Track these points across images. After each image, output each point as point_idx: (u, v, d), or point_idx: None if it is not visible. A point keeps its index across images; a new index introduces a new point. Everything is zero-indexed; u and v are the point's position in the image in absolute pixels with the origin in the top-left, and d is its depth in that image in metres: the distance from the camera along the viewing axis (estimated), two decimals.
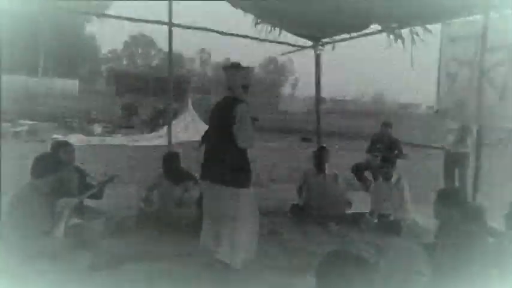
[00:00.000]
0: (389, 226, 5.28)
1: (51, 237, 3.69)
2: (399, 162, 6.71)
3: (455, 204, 3.26)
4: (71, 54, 42.73)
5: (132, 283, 3.45)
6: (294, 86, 64.02)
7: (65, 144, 4.69)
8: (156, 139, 14.79)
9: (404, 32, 5.38)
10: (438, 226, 3.62)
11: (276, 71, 64.56)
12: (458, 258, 3.00)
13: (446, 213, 3.29)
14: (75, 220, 4.12)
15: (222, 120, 3.71)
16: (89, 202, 4.59)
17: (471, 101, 4.66)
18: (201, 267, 3.88)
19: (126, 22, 6.37)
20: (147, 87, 32.88)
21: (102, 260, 3.73)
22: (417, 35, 5.24)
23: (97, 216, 4.50)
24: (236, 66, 3.80)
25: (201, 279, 3.64)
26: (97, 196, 4.55)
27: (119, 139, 15.19)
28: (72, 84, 36.61)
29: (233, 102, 3.72)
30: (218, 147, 3.74)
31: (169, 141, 6.55)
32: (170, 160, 5.18)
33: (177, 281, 3.56)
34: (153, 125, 18.12)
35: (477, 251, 3.02)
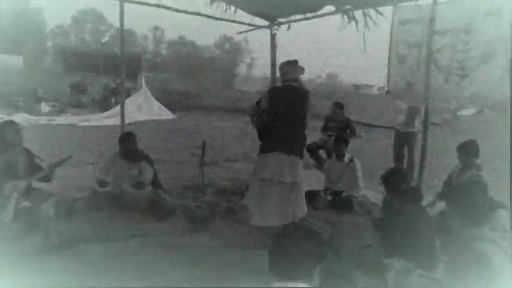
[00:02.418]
0: (342, 203, 5.48)
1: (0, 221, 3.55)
2: (352, 141, 6.92)
3: (397, 185, 3.44)
4: (14, 29, 40.09)
5: (86, 264, 3.39)
6: (250, 65, 63.71)
7: (12, 124, 4.43)
8: (108, 119, 14.37)
9: (358, 14, 5.48)
10: (383, 202, 3.81)
11: (232, 50, 63.85)
12: (403, 231, 3.18)
13: (391, 192, 3.48)
14: (25, 203, 3.98)
15: (300, 107, 4.47)
16: (37, 184, 4.42)
17: (419, 82, 4.85)
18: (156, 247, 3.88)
19: None
20: (97, 64, 31.55)
21: (53, 242, 3.63)
22: (370, 17, 5.35)
23: (46, 199, 4.34)
24: (296, 61, 4.60)
25: (157, 258, 3.65)
26: (46, 179, 4.39)
27: (68, 119, 14.60)
28: (16, 61, 34.38)
29: (304, 91, 4.54)
30: (293, 126, 4.47)
31: (123, 121, 6.37)
32: (127, 140, 5.08)
33: (132, 261, 3.53)
34: (104, 104, 17.54)
35: (419, 224, 3.21)
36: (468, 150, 4.53)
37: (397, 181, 3.53)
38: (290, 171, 4.42)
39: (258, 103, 4.65)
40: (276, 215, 4.38)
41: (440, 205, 4.33)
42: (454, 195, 2.43)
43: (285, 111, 4.46)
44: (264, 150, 4.54)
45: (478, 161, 4.49)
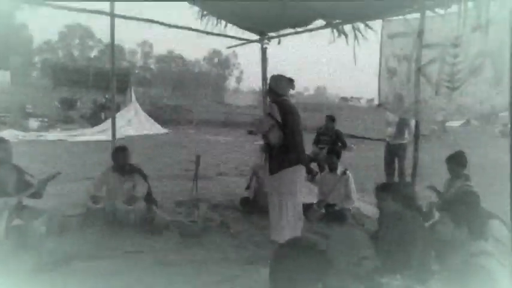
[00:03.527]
0: (335, 215, 5.48)
1: None
2: (344, 154, 6.96)
3: (393, 196, 3.46)
4: (0, 44, 39.79)
5: (80, 282, 3.33)
6: (239, 79, 64.01)
7: (1, 141, 4.39)
8: (98, 134, 14.28)
9: (347, 28, 5.56)
10: (379, 215, 3.82)
11: (221, 64, 64.15)
12: (399, 243, 3.19)
13: (385, 205, 3.49)
14: (16, 221, 3.92)
15: (300, 120, 4.68)
16: (28, 201, 4.36)
17: (409, 95, 4.92)
18: (151, 263, 3.84)
19: (61, 11, 5.94)
20: (86, 79, 31.47)
21: (46, 260, 3.57)
22: (359, 31, 5.43)
23: (38, 216, 4.28)
24: (292, 79, 4.76)
25: (151, 275, 3.60)
26: (37, 195, 4.33)
27: (57, 134, 14.47)
28: (3, 76, 34.11)
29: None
30: (302, 139, 4.65)
31: (114, 136, 6.33)
32: (120, 154, 5.04)
33: (126, 278, 3.48)
34: (93, 119, 17.44)
35: (416, 236, 3.22)
36: (457, 161, 4.62)
37: (398, 193, 3.54)
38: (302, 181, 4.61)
39: (270, 116, 4.50)
40: (300, 227, 4.48)
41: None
42: (451, 208, 2.43)
43: (297, 125, 4.61)
44: (289, 163, 4.44)
45: (466, 171, 4.57)
